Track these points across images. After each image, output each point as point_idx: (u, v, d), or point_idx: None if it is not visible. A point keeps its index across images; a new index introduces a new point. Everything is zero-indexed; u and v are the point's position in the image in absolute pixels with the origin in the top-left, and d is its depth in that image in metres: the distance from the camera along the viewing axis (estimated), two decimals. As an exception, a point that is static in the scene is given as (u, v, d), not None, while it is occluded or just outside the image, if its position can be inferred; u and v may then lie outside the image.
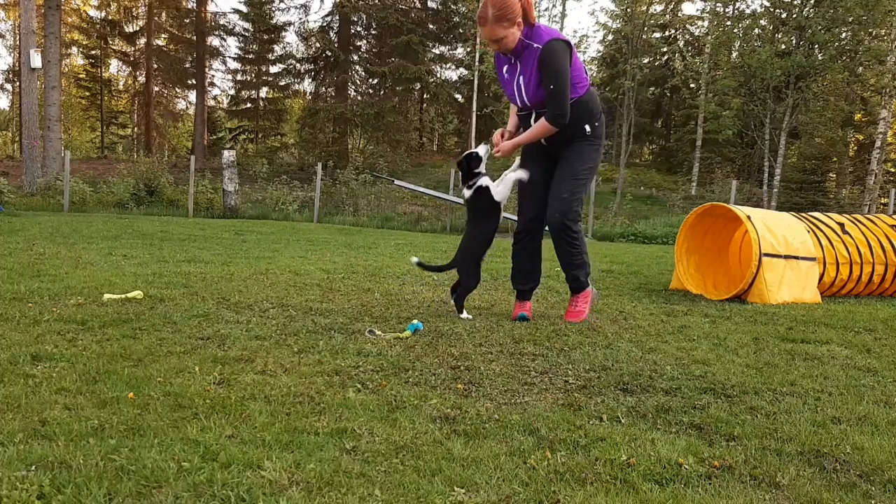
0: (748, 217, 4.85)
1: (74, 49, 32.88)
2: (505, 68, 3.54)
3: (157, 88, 32.63)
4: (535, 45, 3.36)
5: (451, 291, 3.83)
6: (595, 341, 3.17)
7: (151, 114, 31.69)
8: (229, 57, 30.54)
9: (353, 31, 27.18)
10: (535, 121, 3.50)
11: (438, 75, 29.20)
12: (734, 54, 21.85)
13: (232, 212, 15.02)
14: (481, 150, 3.68)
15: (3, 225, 8.70)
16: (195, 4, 28.76)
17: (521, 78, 3.45)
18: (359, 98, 27.43)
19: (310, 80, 28.88)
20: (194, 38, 28.59)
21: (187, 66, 29.65)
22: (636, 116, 23.36)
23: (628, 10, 23.31)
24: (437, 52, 28.42)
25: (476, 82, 24.92)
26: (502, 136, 3.68)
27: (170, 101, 35.06)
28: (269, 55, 28.87)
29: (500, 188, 3.67)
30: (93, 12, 32.10)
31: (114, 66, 35.38)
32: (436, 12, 27.34)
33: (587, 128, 3.54)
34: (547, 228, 3.67)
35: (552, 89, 3.35)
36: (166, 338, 2.85)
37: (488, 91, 28.43)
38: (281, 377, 2.36)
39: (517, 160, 3.78)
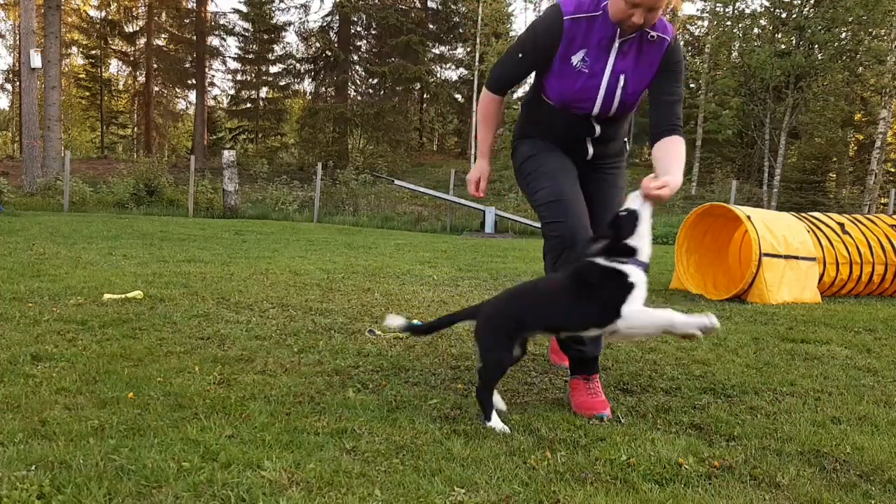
0: (748, 217, 4.85)
1: (74, 49, 32.85)
2: (581, 54, 2.27)
3: (157, 88, 32.62)
4: (657, 35, 2.27)
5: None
6: (595, 341, 3.17)
7: (151, 114, 31.68)
8: (229, 57, 30.55)
9: (353, 31, 27.19)
10: (604, 131, 2.42)
11: (438, 75, 29.22)
12: (734, 54, 21.85)
13: (232, 212, 15.02)
14: (635, 202, 2.11)
15: (3, 225, 8.70)
16: (195, 4, 28.76)
17: (623, 75, 2.29)
18: (359, 98, 27.44)
19: (310, 80, 28.89)
20: (194, 38, 28.58)
21: (187, 66, 29.64)
22: (636, 116, 23.22)
23: (628, 10, 23.27)
24: (437, 52, 28.43)
25: (476, 82, 24.90)
26: (478, 184, 2.55)
27: (170, 101, 35.05)
28: (269, 55, 28.86)
29: (640, 316, 2.07)
30: (93, 12, 32.08)
31: (114, 66, 35.39)
32: (436, 12, 27.34)
33: (627, 142, 2.63)
34: None
35: (681, 95, 2.37)
36: (166, 338, 2.85)
37: (488, 91, 28.37)
38: (281, 377, 2.36)
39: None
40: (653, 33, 2.27)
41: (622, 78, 2.29)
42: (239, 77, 30.14)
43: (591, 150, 2.46)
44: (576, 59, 2.29)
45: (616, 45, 2.26)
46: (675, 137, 2.30)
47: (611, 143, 2.49)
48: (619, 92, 2.31)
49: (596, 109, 2.35)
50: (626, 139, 2.59)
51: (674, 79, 2.32)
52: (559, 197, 2.33)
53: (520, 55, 2.39)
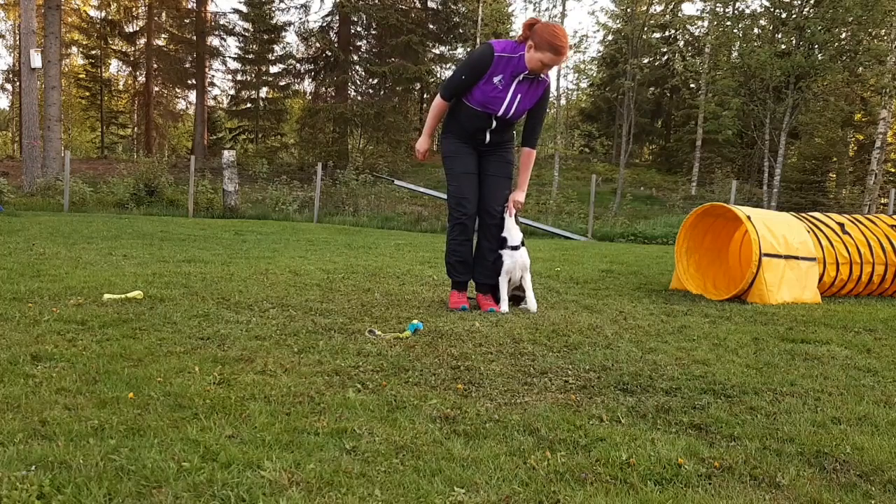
0: (748, 217, 4.85)
1: (74, 49, 32.85)
2: (499, 77, 3.70)
3: (157, 88, 32.60)
4: (542, 78, 3.82)
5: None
6: (595, 341, 3.17)
7: (151, 114, 31.66)
8: (229, 57, 30.47)
9: (353, 31, 27.16)
10: (499, 126, 3.89)
11: (438, 75, 29.19)
12: (734, 54, 21.83)
13: (232, 212, 15.02)
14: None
15: (3, 225, 8.70)
16: (195, 4, 28.74)
17: (518, 97, 3.77)
18: (359, 98, 27.40)
19: (310, 80, 28.85)
20: (194, 38, 28.56)
21: (187, 66, 29.60)
22: (636, 116, 23.34)
23: (628, 10, 23.29)
24: (437, 52, 28.41)
25: (476, 82, 24.83)
26: (425, 154, 4.12)
27: (170, 101, 35.02)
28: (269, 55, 28.82)
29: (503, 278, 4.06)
30: (93, 12, 32.07)
31: (114, 66, 35.37)
32: (436, 12, 27.31)
33: (514, 136, 4.14)
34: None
35: (544, 117, 4.03)
36: (166, 338, 2.85)
37: (488, 91, 28.32)
38: (281, 377, 2.36)
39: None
40: (542, 76, 3.79)
41: (518, 97, 3.78)
42: (239, 77, 30.10)
43: (488, 138, 3.94)
44: (496, 79, 3.71)
45: (519, 77, 3.72)
46: (531, 151, 4.07)
47: (503, 135, 3.97)
48: (515, 104, 3.80)
49: (501, 111, 3.81)
50: (513, 133, 4.10)
51: (542, 110, 3.95)
52: (462, 195, 3.96)
53: (462, 77, 3.78)
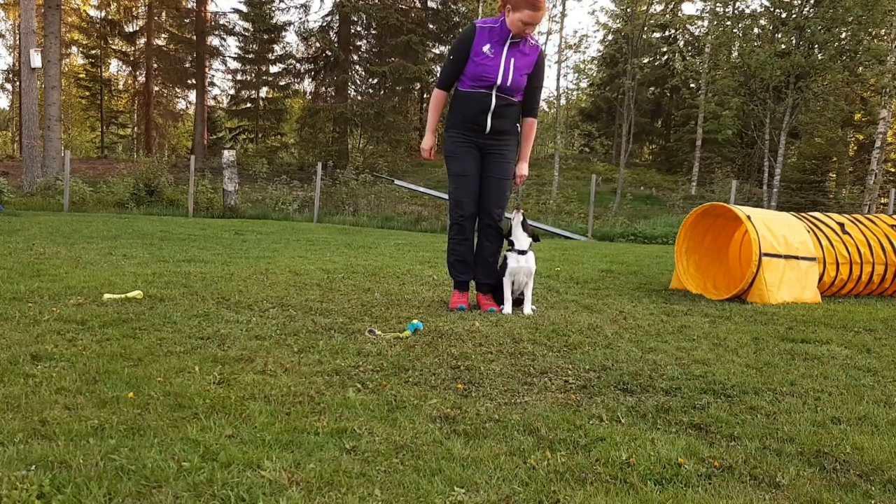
0: (748, 217, 4.85)
1: (74, 49, 32.84)
2: (487, 46, 3.75)
3: (157, 88, 32.58)
4: (534, 43, 3.85)
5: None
6: (595, 341, 3.17)
7: (151, 114, 31.65)
8: (229, 57, 30.43)
9: (353, 31, 27.16)
10: (499, 106, 3.82)
11: (438, 75, 29.15)
12: (734, 54, 21.83)
13: (232, 211, 15.02)
14: (514, 216, 4.01)
15: (3, 225, 8.70)
16: (195, 4, 28.72)
17: (512, 60, 3.77)
18: (359, 98, 27.39)
19: (310, 80, 28.83)
20: (194, 38, 28.55)
21: (187, 65, 29.58)
22: (636, 116, 23.33)
23: (628, 10, 23.30)
24: (437, 52, 28.39)
25: (476, 82, 24.81)
26: (430, 152, 4.09)
27: (170, 101, 35.01)
28: (269, 55, 28.81)
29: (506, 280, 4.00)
30: (93, 12, 32.06)
31: (114, 66, 35.35)
32: (436, 12, 27.31)
33: (518, 126, 4.04)
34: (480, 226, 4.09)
35: (542, 85, 3.98)
36: (166, 338, 2.85)
37: (488, 91, 28.28)
38: (281, 377, 2.36)
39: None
40: (532, 41, 3.82)
41: (512, 60, 3.77)
42: (239, 77, 30.06)
43: (489, 124, 3.85)
44: (485, 48, 3.75)
45: (508, 43, 3.75)
46: (533, 120, 4.06)
47: (504, 120, 3.88)
48: (511, 69, 3.77)
49: (499, 79, 3.76)
50: (517, 123, 3.99)
51: (538, 75, 3.91)
52: (459, 197, 3.97)
53: (451, 58, 3.86)
